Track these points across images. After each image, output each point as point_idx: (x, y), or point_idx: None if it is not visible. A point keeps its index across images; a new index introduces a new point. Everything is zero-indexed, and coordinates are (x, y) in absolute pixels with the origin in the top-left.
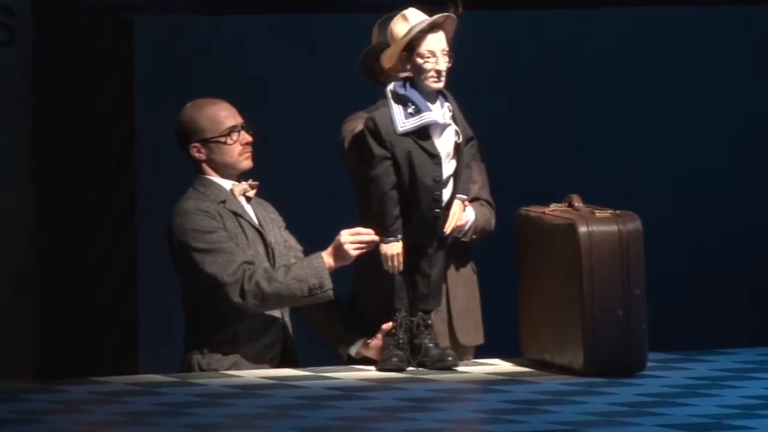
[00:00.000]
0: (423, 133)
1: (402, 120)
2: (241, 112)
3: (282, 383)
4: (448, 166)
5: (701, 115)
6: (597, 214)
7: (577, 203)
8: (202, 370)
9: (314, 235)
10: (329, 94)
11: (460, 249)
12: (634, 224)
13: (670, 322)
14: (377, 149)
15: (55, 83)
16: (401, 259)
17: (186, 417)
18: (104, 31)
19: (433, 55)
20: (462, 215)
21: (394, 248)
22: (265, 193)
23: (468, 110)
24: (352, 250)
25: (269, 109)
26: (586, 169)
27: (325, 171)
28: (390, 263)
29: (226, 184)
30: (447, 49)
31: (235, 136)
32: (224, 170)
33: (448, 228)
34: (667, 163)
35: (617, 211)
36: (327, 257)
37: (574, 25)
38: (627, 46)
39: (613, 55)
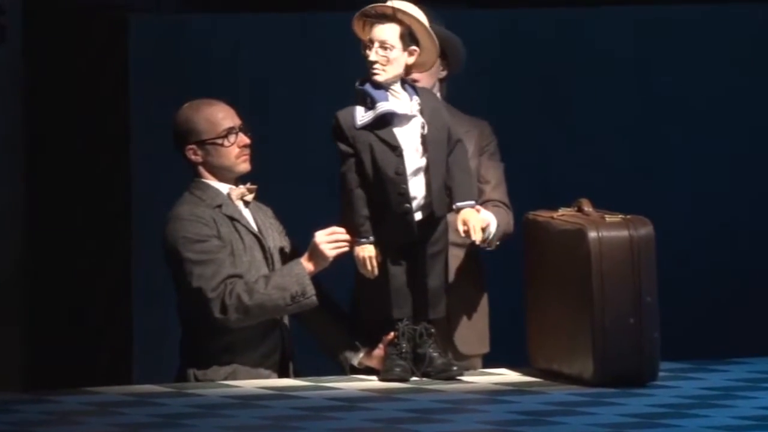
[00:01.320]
0: (382, 125)
1: (361, 114)
2: (240, 113)
3: (281, 394)
4: (414, 159)
5: (712, 116)
6: (607, 219)
7: (587, 207)
8: (198, 380)
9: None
10: (331, 95)
11: (466, 253)
12: (646, 229)
13: (683, 330)
14: (341, 146)
15: (46, 83)
16: (374, 262)
17: (182, 429)
18: (98, 29)
19: (371, 45)
20: (479, 219)
21: (366, 250)
22: (263, 197)
23: (471, 111)
24: (329, 250)
25: (268, 111)
26: (596, 172)
27: (326, 174)
28: (364, 267)
29: (223, 187)
30: (388, 42)
31: (232, 138)
32: (221, 173)
33: (477, 237)
34: (679, 166)
35: (628, 216)
36: (306, 262)
37: (581, 24)
38: (635, 45)
39: (621, 55)
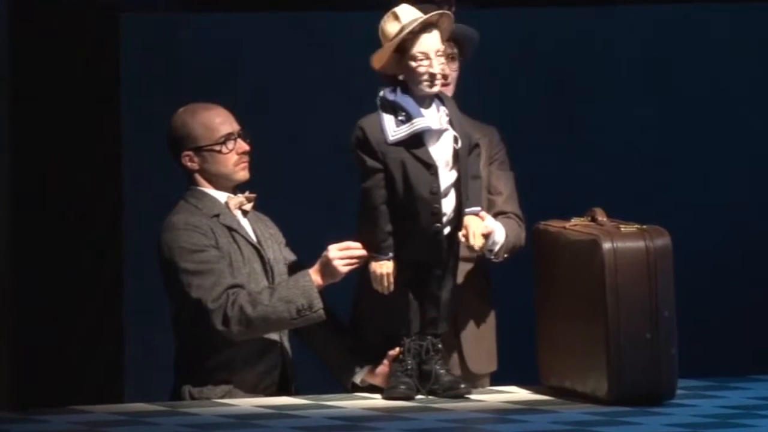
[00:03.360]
0: (416, 141)
1: (393, 128)
2: (238, 118)
3: (280, 413)
4: (447, 176)
5: (732, 121)
6: (622, 230)
7: (601, 217)
8: (193, 398)
9: (315, 251)
10: (333, 98)
11: (474, 268)
12: (663, 240)
13: (702, 346)
14: (368, 161)
15: (34, 87)
16: (392, 279)
17: None
18: (88, 30)
19: (427, 57)
20: (482, 225)
21: (384, 267)
22: (262, 206)
23: (480, 114)
24: (342, 267)
25: (268, 116)
26: (610, 180)
27: (328, 182)
28: (380, 283)
29: (221, 196)
30: (442, 49)
31: (230, 144)
32: (219, 181)
33: (476, 243)
34: (698, 173)
35: (644, 226)
36: (314, 275)
37: (594, 24)
38: (651, 47)
39: (637, 56)
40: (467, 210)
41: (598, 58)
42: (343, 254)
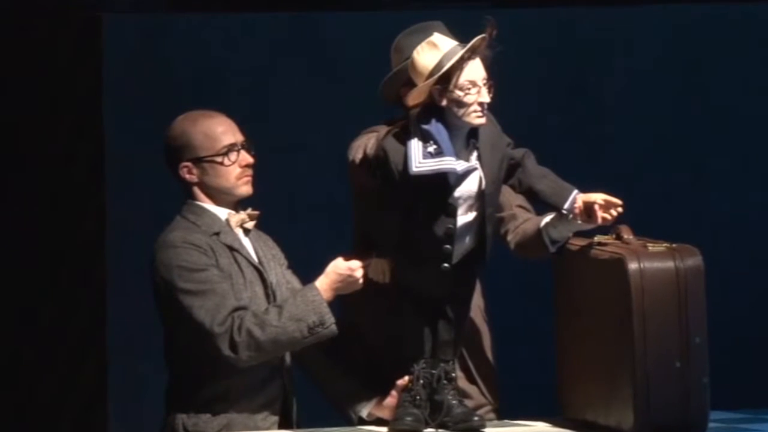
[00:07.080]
0: (439, 178)
1: (418, 158)
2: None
3: None
4: (464, 217)
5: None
6: (650, 248)
7: (627, 235)
8: (187, 430)
9: (314, 268)
10: (334, 104)
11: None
12: (694, 260)
13: (736, 375)
14: (380, 184)
15: (10, 94)
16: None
17: None
18: (67, 31)
19: (475, 85)
20: (595, 195)
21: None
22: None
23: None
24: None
25: (261, 123)
26: (636, 194)
27: (329, 194)
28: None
29: (221, 212)
30: (487, 77)
31: (233, 156)
32: (219, 196)
33: (618, 201)
34: (732, 186)
35: (673, 245)
36: (322, 287)
37: (616, 24)
38: (679, 48)
39: (661, 58)
40: (567, 204)
41: (620, 61)
42: (351, 263)
